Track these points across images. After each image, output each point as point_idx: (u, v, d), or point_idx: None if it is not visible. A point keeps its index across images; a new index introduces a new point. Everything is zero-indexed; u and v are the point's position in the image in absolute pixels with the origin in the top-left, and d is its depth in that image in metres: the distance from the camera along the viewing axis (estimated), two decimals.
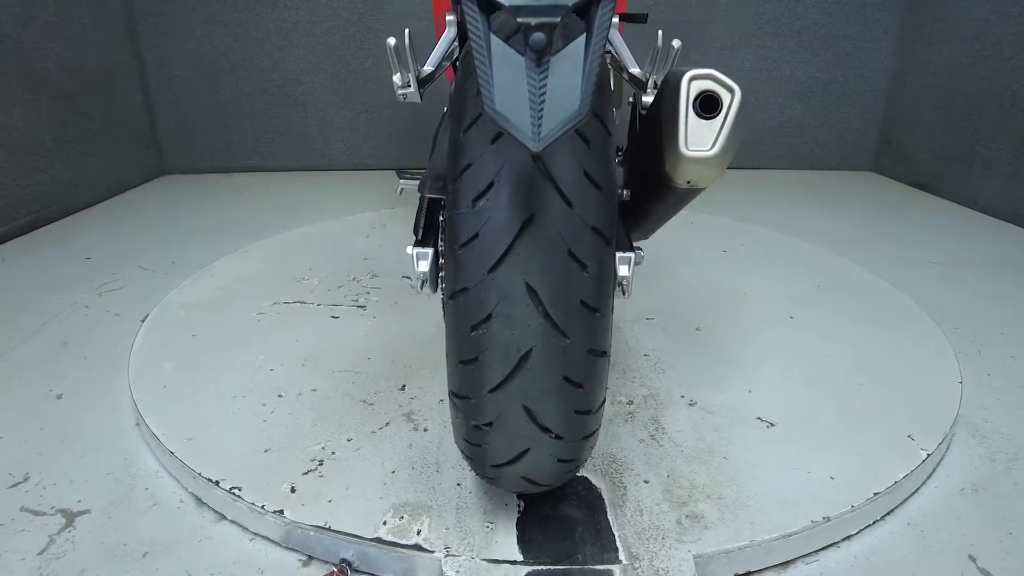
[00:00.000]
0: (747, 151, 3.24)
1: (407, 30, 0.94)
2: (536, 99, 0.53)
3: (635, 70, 1.06)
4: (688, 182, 0.84)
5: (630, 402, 1.14)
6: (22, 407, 1.22)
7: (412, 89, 1.00)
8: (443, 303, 0.70)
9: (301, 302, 1.56)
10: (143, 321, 1.55)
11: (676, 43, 0.95)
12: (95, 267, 1.93)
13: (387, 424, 1.07)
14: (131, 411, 1.19)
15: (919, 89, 2.87)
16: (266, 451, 1.00)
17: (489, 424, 0.68)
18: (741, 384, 1.20)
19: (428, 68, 1.06)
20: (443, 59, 1.11)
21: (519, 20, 0.52)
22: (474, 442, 0.72)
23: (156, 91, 3.02)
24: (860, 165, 3.25)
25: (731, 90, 0.81)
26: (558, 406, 0.66)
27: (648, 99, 1.02)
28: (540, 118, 0.53)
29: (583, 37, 0.55)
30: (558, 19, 0.52)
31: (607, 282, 0.66)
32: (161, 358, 1.29)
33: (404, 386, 1.20)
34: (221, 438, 1.03)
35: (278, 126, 3.15)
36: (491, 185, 0.62)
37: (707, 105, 0.81)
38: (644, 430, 1.06)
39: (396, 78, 1.00)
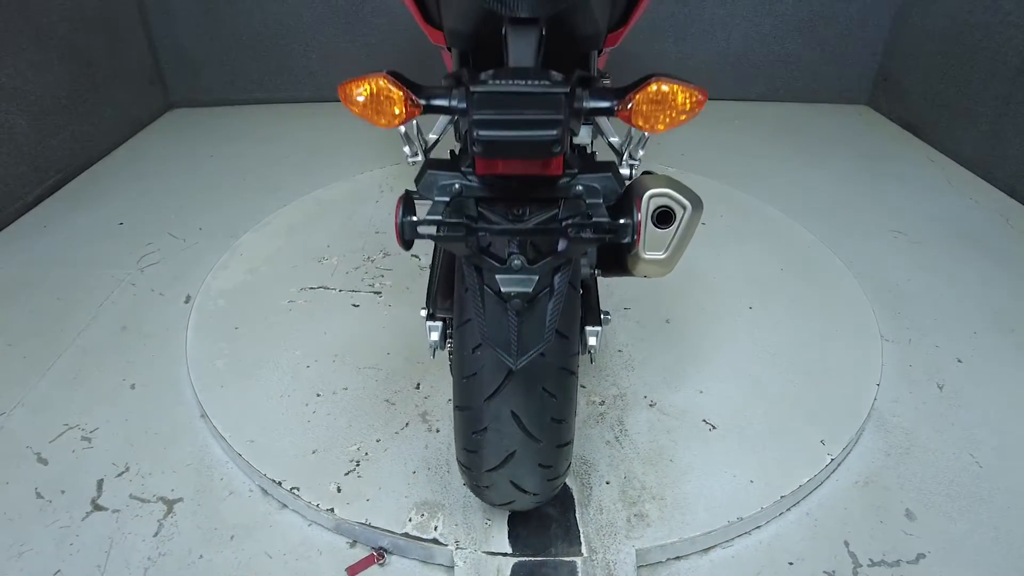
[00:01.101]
0: (745, 84, 3.27)
1: (415, 121, 1.10)
2: (514, 335, 0.74)
3: (614, 139, 1.21)
4: (644, 276, 1.04)
5: (602, 402, 1.41)
6: (106, 397, 1.48)
7: (420, 157, 1.18)
8: (453, 397, 0.93)
9: (324, 287, 1.79)
10: (187, 303, 1.79)
11: (646, 133, 1.11)
12: (129, 235, 2.13)
13: (407, 425, 1.34)
14: (195, 404, 1.45)
15: (921, 30, 2.87)
16: (314, 452, 1.28)
17: (487, 486, 0.94)
18: (695, 384, 1.45)
19: (433, 136, 1.22)
20: (447, 125, 1.27)
21: (502, 290, 0.71)
22: (476, 492, 0.99)
23: (156, 26, 3.03)
24: (856, 99, 3.30)
25: (684, 206, 0.99)
26: (534, 479, 0.92)
27: (623, 171, 1.19)
28: (517, 347, 0.74)
29: (547, 292, 0.75)
30: (530, 290, 0.71)
31: (571, 401, 0.89)
32: (213, 355, 1.54)
33: (419, 384, 1.45)
34: (276, 439, 1.31)
35: (281, 59, 3.17)
36: None
37: (663, 217, 0.99)
38: (611, 431, 1.33)
39: (406, 149, 1.17)
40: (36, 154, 2.33)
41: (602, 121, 1.22)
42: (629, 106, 0.75)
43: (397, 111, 0.75)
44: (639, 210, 1.00)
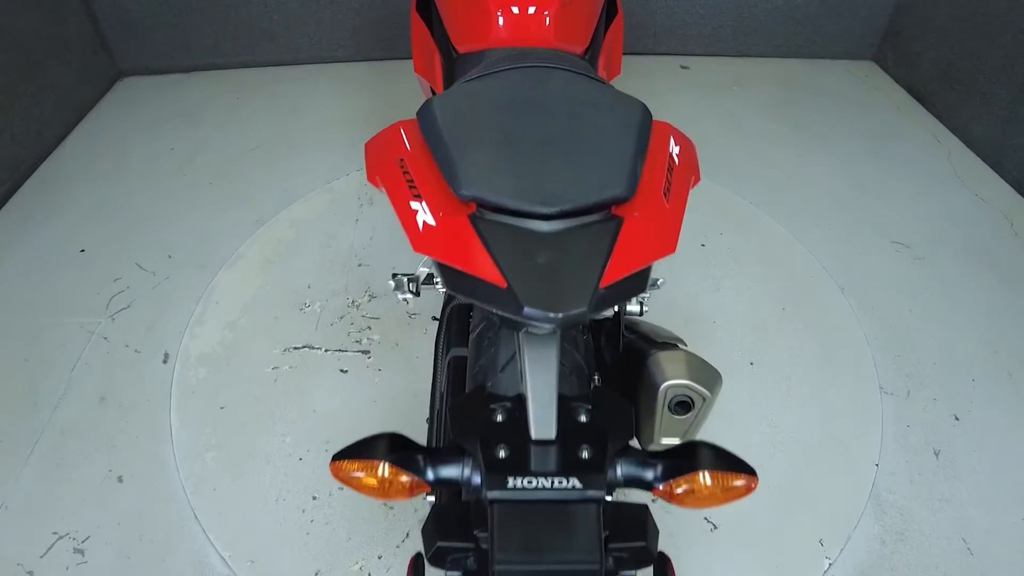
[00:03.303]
0: (747, 38, 3.03)
1: (421, 269, 1.03)
2: None
3: None
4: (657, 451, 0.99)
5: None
6: (94, 494, 1.44)
7: (409, 296, 1.09)
8: None
9: (309, 347, 1.70)
10: (165, 363, 1.71)
11: (660, 281, 1.02)
12: (93, 265, 1.99)
13: (407, 536, 1.33)
14: (186, 502, 1.42)
15: None
16: (316, 574, 1.27)
17: None
18: None
19: (423, 270, 1.12)
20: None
21: None
22: None
23: None
24: (861, 54, 3.08)
25: (703, 396, 0.92)
26: None
27: (633, 308, 1.11)
28: None
29: None
30: None
31: None
32: (200, 445, 1.48)
33: None
34: (277, 557, 1.29)
35: (237, 21, 2.85)
36: None
37: (681, 406, 0.92)
38: None
39: (397, 294, 1.08)
40: None
41: None
42: (676, 491, 0.67)
43: (402, 494, 0.66)
44: (656, 400, 0.94)
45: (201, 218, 2.16)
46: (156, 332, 1.79)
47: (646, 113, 0.77)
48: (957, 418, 1.60)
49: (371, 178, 0.78)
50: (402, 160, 0.73)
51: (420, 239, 0.68)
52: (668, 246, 0.69)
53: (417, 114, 0.77)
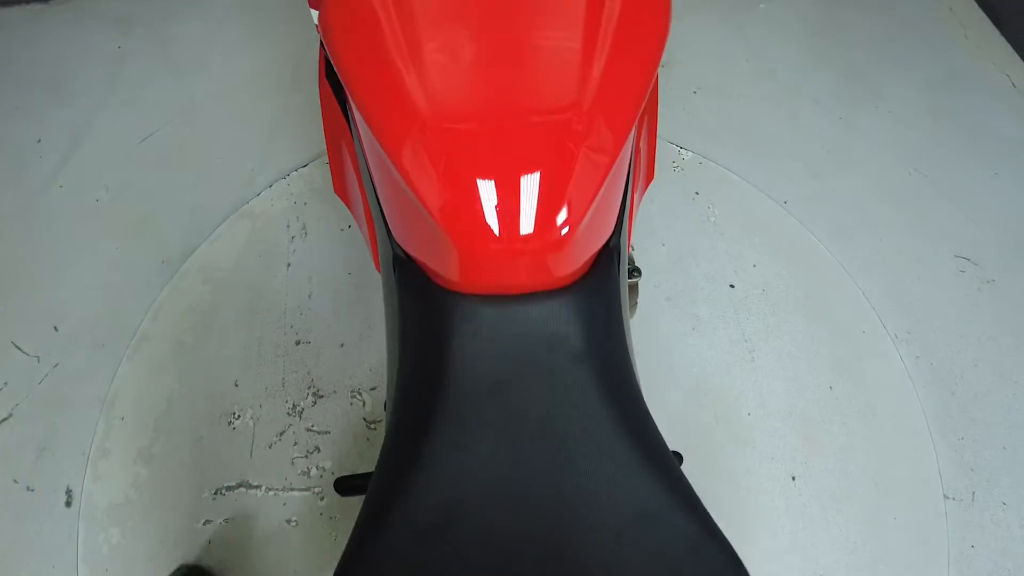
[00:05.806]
0: None
1: None
2: None
3: None
4: None
5: None
6: None
7: None
8: None
9: (245, 485, 1.36)
10: (68, 506, 1.37)
11: None
12: None
13: None
14: None
15: None
16: None
17: None
18: None
19: None
20: None
21: None
22: None
23: None
24: None
25: None
26: None
27: None
28: None
29: None
30: None
31: None
32: None
33: None
34: None
35: None
36: None
37: None
38: None
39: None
40: None
41: None
42: None
43: None
44: None
45: (90, 261, 1.67)
46: (51, 456, 1.42)
47: None
48: None
49: None
50: None
51: None
52: None
53: None
